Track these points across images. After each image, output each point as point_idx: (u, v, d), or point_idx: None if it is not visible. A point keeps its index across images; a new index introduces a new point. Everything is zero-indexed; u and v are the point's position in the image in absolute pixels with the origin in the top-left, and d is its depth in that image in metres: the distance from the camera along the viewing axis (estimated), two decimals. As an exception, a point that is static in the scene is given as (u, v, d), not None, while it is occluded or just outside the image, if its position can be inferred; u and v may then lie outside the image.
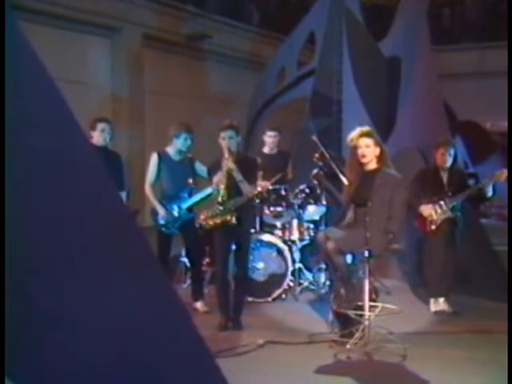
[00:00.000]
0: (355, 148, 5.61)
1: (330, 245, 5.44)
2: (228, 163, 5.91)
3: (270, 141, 7.96)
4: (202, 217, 6.13)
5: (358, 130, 5.63)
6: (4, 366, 1.92)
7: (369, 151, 5.55)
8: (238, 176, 5.94)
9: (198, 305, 6.71)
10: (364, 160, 5.57)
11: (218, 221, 5.99)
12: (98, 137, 6.56)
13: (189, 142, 6.62)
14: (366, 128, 5.66)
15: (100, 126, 6.59)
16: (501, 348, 5.04)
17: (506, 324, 5.38)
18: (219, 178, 5.94)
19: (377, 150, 5.57)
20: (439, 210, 6.58)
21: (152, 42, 13.15)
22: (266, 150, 8.03)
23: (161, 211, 6.60)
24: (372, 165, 5.60)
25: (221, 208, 5.93)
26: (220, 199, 5.90)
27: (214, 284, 6.60)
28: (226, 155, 5.92)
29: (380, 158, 5.58)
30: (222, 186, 5.90)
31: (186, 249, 7.09)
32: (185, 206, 6.66)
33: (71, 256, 2.12)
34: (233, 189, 5.96)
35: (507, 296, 5.22)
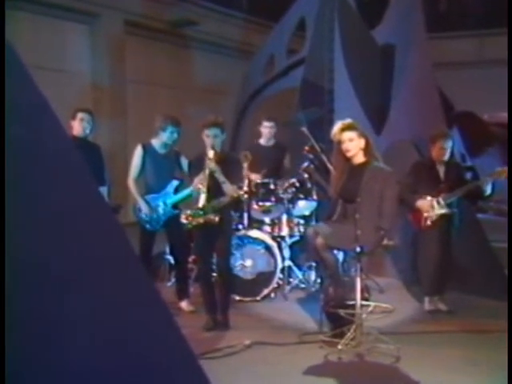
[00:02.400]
0: (339, 143, 5.63)
1: (320, 241, 5.45)
2: (210, 164, 5.91)
3: (266, 131, 7.96)
4: (185, 216, 6.14)
5: (339, 124, 5.64)
6: (4, 367, 1.94)
7: (353, 145, 5.57)
8: (221, 177, 5.95)
9: (183, 304, 6.74)
10: (349, 154, 5.59)
11: (201, 220, 5.99)
12: (78, 126, 6.58)
13: (175, 135, 6.63)
14: (347, 121, 5.66)
15: (79, 115, 6.59)
16: (497, 348, 5.11)
17: (502, 323, 5.44)
18: (201, 179, 5.95)
19: (361, 143, 5.59)
20: (436, 206, 6.61)
21: (134, 29, 13.13)
22: (262, 141, 8.03)
23: (143, 207, 6.61)
24: (359, 158, 5.62)
25: (201, 213, 5.94)
26: (200, 205, 5.91)
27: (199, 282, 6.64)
28: (210, 155, 5.92)
29: (366, 151, 5.59)
30: (203, 189, 5.90)
31: (170, 246, 7.11)
32: (170, 202, 6.67)
33: (46, 254, 2.12)
34: (215, 191, 5.98)
35: (507, 294, 5.27)
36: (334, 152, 5.92)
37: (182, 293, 6.81)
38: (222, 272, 6.23)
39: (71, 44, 12.21)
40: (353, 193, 5.52)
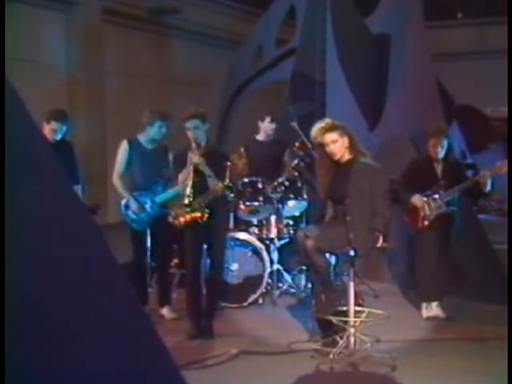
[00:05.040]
0: (321, 145, 5.67)
1: (310, 244, 5.47)
2: (194, 157, 5.94)
3: (269, 127, 7.81)
4: (173, 214, 6.16)
5: (318, 126, 5.67)
6: (4, 367, 1.96)
7: (337, 147, 5.60)
8: (206, 170, 5.98)
9: (165, 311, 6.74)
10: (336, 158, 5.64)
11: (189, 218, 6.01)
12: (48, 134, 6.59)
13: (164, 130, 6.68)
14: (326, 121, 5.70)
15: (52, 124, 6.58)
16: (498, 356, 5.12)
17: (504, 329, 5.47)
18: (185, 175, 5.97)
19: (345, 141, 5.61)
20: (433, 204, 6.63)
21: (113, 17, 13.09)
22: (260, 137, 7.97)
23: (132, 204, 6.61)
24: (345, 156, 5.66)
25: (187, 210, 5.96)
26: (186, 201, 5.93)
27: (184, 288, 6.64)
28: (193, 148, 5.95)
29: (351, 148, 5.62)
30: (189, 184, 5.92)
31: (155, 248, 7.00)
32: (158, 200, 6.66)
33: (19, 257, 2.13)
34: (201, 186, 6.00)
35: (507, 299, 5.29)
36: (316, 153, 5.96)
37: (164, 299, 6.81)
38: (214, 279, 6.27)
39: (45, 33, 12.15)
40: (341, 193, 5.55)
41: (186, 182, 5.99)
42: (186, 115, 6.10)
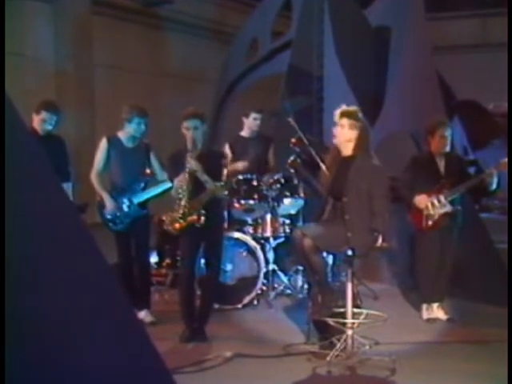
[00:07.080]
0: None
1: (307, 243, 5.47)
2: (192, 163, 5.94)
3: (254, 124, 7.97)
4: (167, 219, 6.13)
5: (344, 107, 5.71)
6: (4, 367, 1.96)
7: (341, 133, 5.63)
8: (203, 177, 5.99)
9: (143, 314, 6.63)
10: (334, 141, 5.69)
11: (185, 223, 6.00)
12: (38, 126, 6.61)
13: (142, 127, 6.64)
14: (350, 108, 5.71)
15: (43, 114, 6.62)
16: (501, 359, 5.14)
17: (507, 332, 5.49)
18: (181, 181, 5.97)
19: (351, 134, 5.62)
20: (437, 204, 6.62)
21: (102, 8, 13.09)
22: (245, 133, 8.06)
23: (107, 203, 6.59)
24: (347, 151, 5.67)
25: (181, 221, 5.96)
26: (181, 211, 5.93)
27: (177, 288, 6.64)
28: (190, 149, 5.94)
29: (357, 145, 5.63)
30: (184, 193, 5.93)
31: (135, 250, 6.95)
32: (137, 200, 6.65)
33: (7, 259, 2.13)
34: (197, 192, 6.01)
35: (507, 300, 5.31)
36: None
37: (143, 302, 6.73)
38: (210, 280, 6.29)
39: (32, 25, 12.15)
40: (339, 190, 5.56)
41: (180, 190, 5.98)
42: (186, 114, 6.11)
